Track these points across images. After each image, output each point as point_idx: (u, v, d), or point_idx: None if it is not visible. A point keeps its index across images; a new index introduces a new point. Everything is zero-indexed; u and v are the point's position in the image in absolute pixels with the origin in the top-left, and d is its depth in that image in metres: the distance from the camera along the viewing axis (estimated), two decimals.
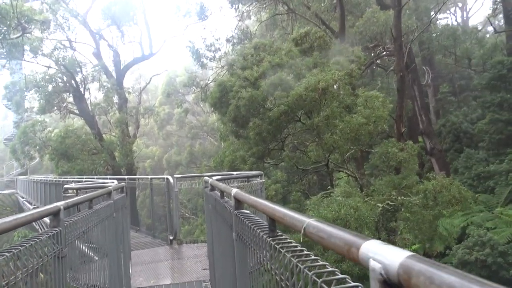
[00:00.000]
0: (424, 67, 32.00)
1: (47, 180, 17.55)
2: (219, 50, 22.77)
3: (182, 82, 31.78)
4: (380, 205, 12.09)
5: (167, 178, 9.57)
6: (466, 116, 27.44)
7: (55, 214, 2.76)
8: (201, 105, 40.56)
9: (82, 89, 26.96)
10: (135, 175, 25.15)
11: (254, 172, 7.46)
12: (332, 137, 11.25)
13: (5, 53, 21.58)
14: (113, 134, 29.02)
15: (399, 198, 12.15)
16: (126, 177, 12.49)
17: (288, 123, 13.19)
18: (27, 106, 28.66)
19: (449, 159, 25.99)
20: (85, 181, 11.26)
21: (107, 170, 25.45)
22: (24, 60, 25.46)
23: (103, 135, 27.89)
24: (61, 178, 17.97)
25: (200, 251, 8.43)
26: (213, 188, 5.09)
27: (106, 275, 4.30)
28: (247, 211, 2.85)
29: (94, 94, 28.66)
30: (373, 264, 0.90)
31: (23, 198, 25.32)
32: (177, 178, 9.44)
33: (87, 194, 3.67)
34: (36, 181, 19.83)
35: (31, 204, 21.31)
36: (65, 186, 7.01)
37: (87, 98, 27.43)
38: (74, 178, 18.00)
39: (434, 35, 31.62)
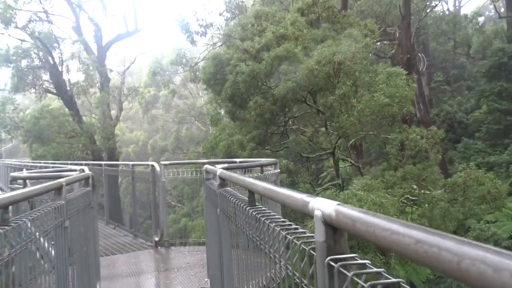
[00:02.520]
0: (419, 54, 30.77)
1: (14, 165, 15.56)
2: (211, 25, 20.69)
3: (169, 62, 29.62)
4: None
5: (153, 166, 7.69)
6: (460, 106, 26.69)
7: None
8: (189, 88, 38.50)
9: (60, 67, 24.64)
10: (118, 160, 23.10)
11: (268, 160, 5.63)
12: (349, 120, 9.48)
13: None
14: (94, 115, 26.84)
15: (421, 192, 10.55)
16: (103, 162, 10.56)
17: (294, 103, 11.37)
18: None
19: (443, 149, 25.27)
20: (52, 168, 9.37)
21: (87, 155, 23.38)
22: None
23: (83, 117, 25.69)
24: (29, 162, 15.98)
25: (193, 258, 6.64)
26: (223, 183, 3.29)
27: None
28: (360, 260, 1.07)
29: (73, 74, 26.32)
30: None
31: None
32: (165, 165, 7.58)
33: None
34: (6, 165, 17.82)
35: (2, 190, 19.37)
36: (12, 174, 5.11)
37: (65, 77, 25.13)
38: (48, 162, 16.08)
39: (430, 21, 30.63)
